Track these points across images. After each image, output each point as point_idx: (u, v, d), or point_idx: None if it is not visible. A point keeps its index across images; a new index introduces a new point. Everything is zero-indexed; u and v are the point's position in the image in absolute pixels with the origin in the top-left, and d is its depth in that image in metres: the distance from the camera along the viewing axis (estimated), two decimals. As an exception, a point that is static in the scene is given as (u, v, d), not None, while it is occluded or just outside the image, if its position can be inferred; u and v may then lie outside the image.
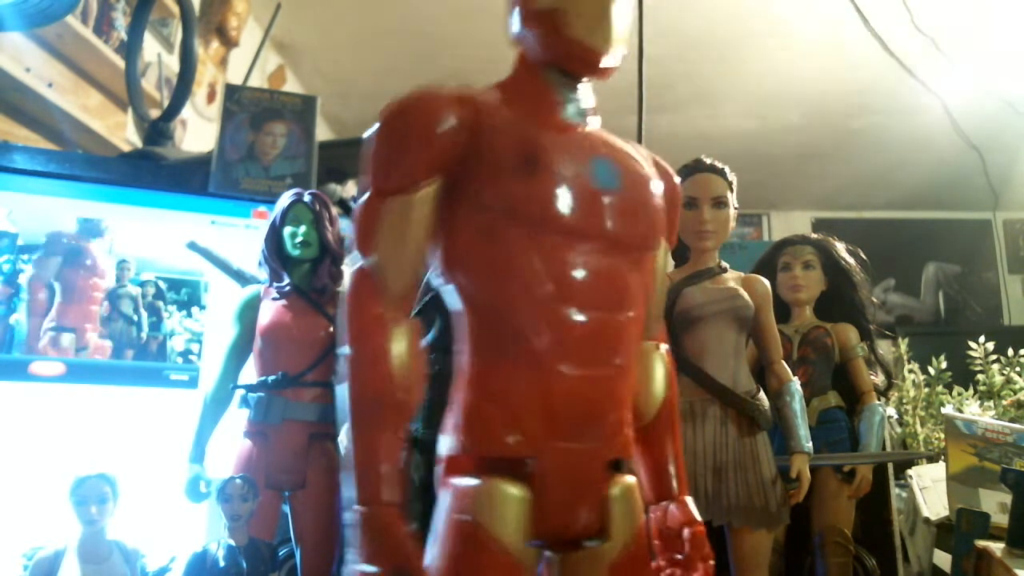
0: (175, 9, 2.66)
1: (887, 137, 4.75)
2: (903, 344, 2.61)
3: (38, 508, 1.53)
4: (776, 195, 5.83)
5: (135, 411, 1.76)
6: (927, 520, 1.84)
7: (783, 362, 1.58)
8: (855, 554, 1.74)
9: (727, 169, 1.59)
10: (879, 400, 1.85)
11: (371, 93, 4.22)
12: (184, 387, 1.82)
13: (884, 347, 2.04)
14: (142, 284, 1.84)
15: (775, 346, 1.58)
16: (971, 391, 2.51)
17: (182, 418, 1.63)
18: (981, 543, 1.51)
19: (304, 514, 1.49)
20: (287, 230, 1.58)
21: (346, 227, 1.62)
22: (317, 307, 1.56)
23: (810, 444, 1.53)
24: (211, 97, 3.42)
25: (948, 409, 2.36)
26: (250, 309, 1.58)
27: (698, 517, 0.92)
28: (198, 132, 3.21)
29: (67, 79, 2.51)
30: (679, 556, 0.90)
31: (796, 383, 1.57)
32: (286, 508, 1.51)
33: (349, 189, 2.11)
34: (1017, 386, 2.43)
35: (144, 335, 1.83)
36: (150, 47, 2.71)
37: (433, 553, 0.79)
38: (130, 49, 2.30)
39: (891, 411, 2.21)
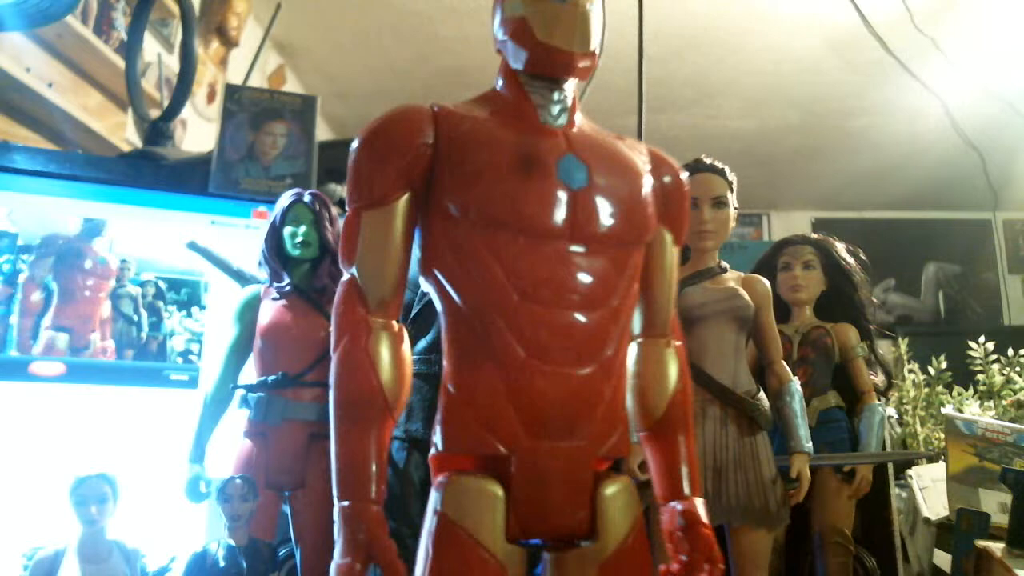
0: (175, 9, 2.65)
1: (887, 137, 4.75)
2: (903, 344, 2.61)
3: (38, 508, 1.53)
4: (776, 195, 5.83)
5: (135, 411, 1.76)
6: (927, 520, 1.84)
7: (783, 362, 1.59)
8: (855, 554, 1.75)
9: (727, 169, 1.59)
10: (879, 400, 1.85)
11: (371, 93, 4.26)
12: (184, 387, 1.82)
13: (884, 347, 2.04)
14: (142, 284, 1.84)
15: (775, 346, 1.58)
16: (971, 391, 2.50)
17: (182, 418, 1.63)
18: (981, 543, 1.51)
19: (304, 514, 1.49)
20: (287, 230, 1.58)
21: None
22: (317, 307, 1.56)
23: (810, 444, 1.53)
24: (211, 97, 3.42)
25: (948, 409, 2.36)
26: (250, 309, 1.58)
27: (705, 519, 0.90)
28: (198, 132, 3.21)
29: (67, 79, 2.51)
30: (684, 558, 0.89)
31: (796, 383, 1.57)
32: (286, 508, 1.51)
33: (349, 189, 2.10)
34: (1017, 386, 2.42)
35: (144, 335, 1.83)
36: (150, 47, 2.71)
37: (420, 549, 0.82)
38: (130, 49, 2.30)
39: (891, 411, 2.21)
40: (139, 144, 2.43)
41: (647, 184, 0.93)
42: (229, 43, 3.49)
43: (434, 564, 0.80)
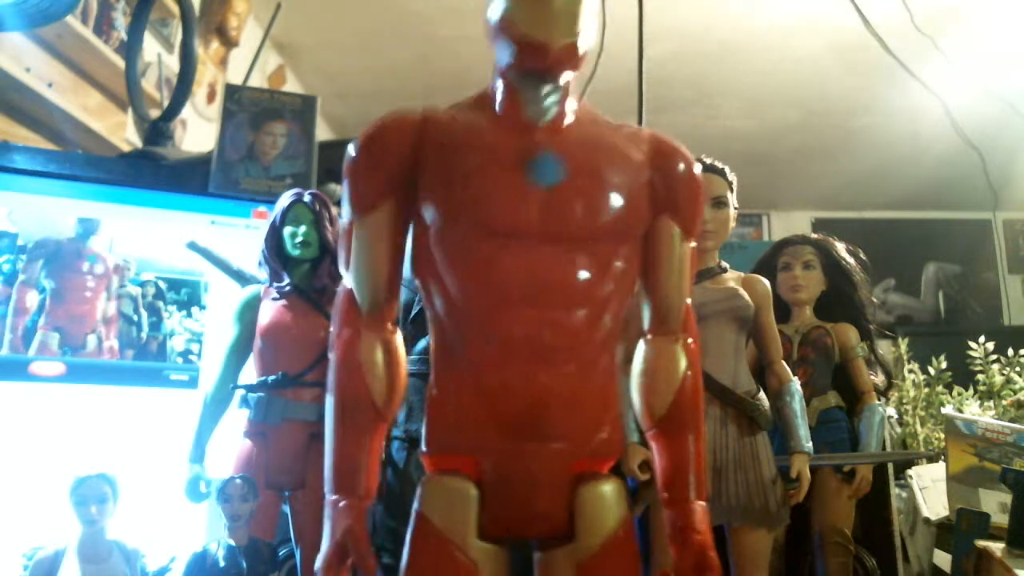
0: (175, 9, 2.65)
1: (887, 137, 4.75)
2: (903, 344, 2.61)
3: (38, 508, 1.53)
4: (776, 195, 5.83)
5: (135, 411, 1.76)
6: (927, 520, 1.84)
7: (783, 362, 1.58)
8: (855, 554, 1.74)
9: (727, 169, 1.59)
10: (879, 400, 1.85)
11: (371, 93, 4.26)
12: (184, 387, 1.82)
13: (884, 347, 2.04)
14: (142, 284, 1.84)
15: (775, 346, 1.58)
16: (971, 391, 2.50)
17: (182, 418, 1.63)
18: (981, 543, 1.51)
19: (304, 514, 1.49)
20: (287, 230, 1.58)
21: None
22: (317, 307, 1.56)
23: (810, 444, 1.53)
24: (211, 97, 3.42)
25: (948, 409, 2.36)
26: (250, 309, 1.58)
27: (698, 525, 0.87)
28: (198, 132, 3.21)
29: (67, 79, 2.51)
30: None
31: (796, 383, 1.57)
32: (286, 508, 1.51)
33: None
34: (1017, 386, 2.42)
35: (144, 335, 1.83)
36: (150, 47, 2.71)
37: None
38: (130, 49, 2.30)
39: (891, 411, 2.21)
40: (139, 144, 2.43)
41: (639, 175, 0.89)
42: (229, 43, 3.49)
43: (411, 560, 0.82)
